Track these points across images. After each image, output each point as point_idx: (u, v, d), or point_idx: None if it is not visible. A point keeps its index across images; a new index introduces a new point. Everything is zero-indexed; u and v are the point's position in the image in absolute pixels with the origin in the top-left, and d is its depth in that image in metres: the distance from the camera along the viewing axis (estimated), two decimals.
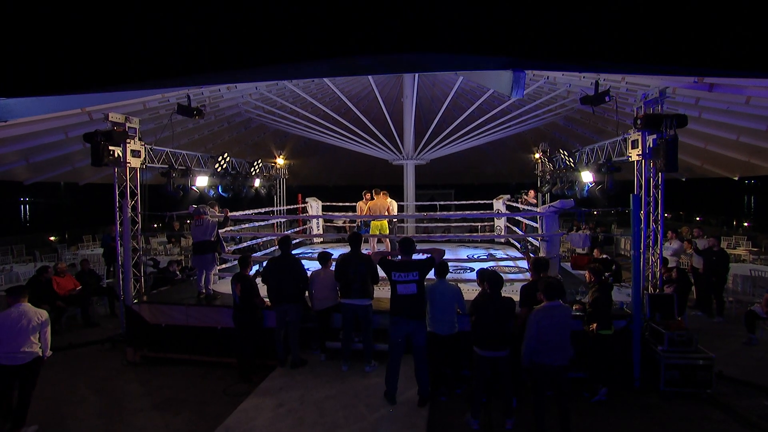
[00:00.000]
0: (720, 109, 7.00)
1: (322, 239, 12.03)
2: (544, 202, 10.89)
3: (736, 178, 10.92)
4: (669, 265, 7.41)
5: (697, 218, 19.17)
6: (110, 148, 6.13)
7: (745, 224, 16.13)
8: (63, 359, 6.28)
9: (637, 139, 5.66)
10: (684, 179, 12.43)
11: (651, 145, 5.47)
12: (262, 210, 10.82)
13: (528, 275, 5.79)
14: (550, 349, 4.00)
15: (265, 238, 10.84)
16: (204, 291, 6.62)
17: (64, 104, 5.57)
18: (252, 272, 5.89)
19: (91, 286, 8.27)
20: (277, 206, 12.39)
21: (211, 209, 6.91)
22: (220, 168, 8.62)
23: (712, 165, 10.28)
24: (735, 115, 7.00)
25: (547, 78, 8.31)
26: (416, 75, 9.19)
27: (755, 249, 12.17)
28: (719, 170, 10.58)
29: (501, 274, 4.48)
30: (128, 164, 6.45)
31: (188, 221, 7.25)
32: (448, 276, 4.98)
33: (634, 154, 5.76)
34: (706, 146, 8.83)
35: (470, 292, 5.64)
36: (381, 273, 4.83)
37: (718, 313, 7.69)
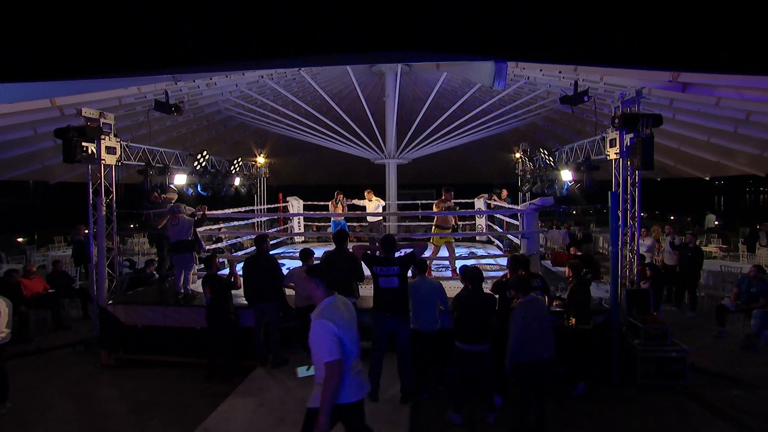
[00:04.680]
0: (692, 111, 7.21)
1: (303, 238, 11.91)
2: (523, 200, 11.05)
3: (708, 179, 11.30)
4: (645, 262, 7.60)
5: (672, 217, 19.78)
6: (83, 144, 5.92)
7: (716, 222, 16.72)
8: (30, 365, 6.03)
9: (615, 138, 5.79)
10: (659, 179, 12.79)
11: (628, 144, 5.60)
12: (242, 209, 10.65)
13: None
14: (537, 344, 3.99)
15: (244, 238, 10.66)
16: (182, 291, 6.46)
17: (33, 93, 5.32)
18: (239, 271, 5.78)
19: (62, 288, 7.97)
20: (257, 205, 12.21)
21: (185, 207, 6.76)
22: (199, 166, 8.44)
23: (685, 165, 10.61)
24: (706, 116, 7.23)
25: (528, 78, 8.42)
26: (398, 74, 9.19)
27: (725, 246, 12.61)
28: (692, 170, 10.92)
29: (482, 271, 4.51)
30: (103, 161, 6.24)
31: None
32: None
33: (612, 153, 5.88)
34: (680, 147, 9.10)
35: (451, 289, 5.65)
36: (367, 271, 4.80)
37: (691, 307, 7.93)
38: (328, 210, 11.24)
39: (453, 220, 7.79)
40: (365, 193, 10.08)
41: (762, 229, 12.21)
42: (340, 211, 9.74)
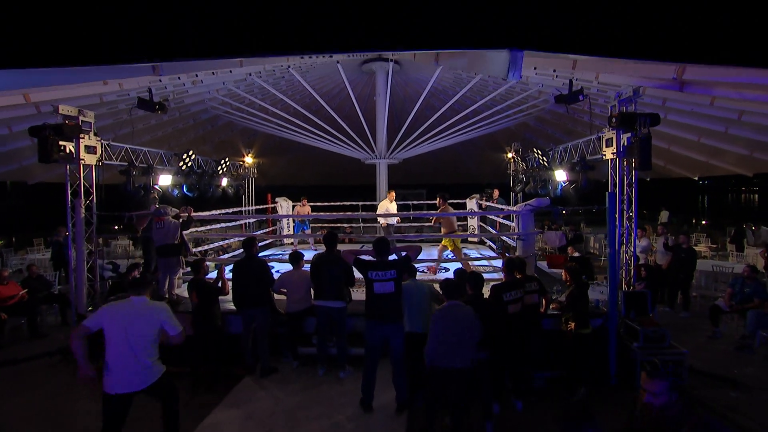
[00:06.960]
0: (684, 111, 7.22)
1: (292, 240, 11.68)
2: (516, 201, 10.98)
3: (696, 178, 11.40)
4: (639, 263, 7.55)
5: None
6: (61, 143, 5.65)
7: (703, 222, 16.94)
8: (3, 376, 5.70)
9: (612, 138, 5.71)
10: (648, 179, 12.87)
11: (625, 144, 5.52)
12: (230, 210, 10.38)
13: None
14: (447, 351, 3.74)
15: (231, 240, 10.40)
16: (167, 296, 6.21)
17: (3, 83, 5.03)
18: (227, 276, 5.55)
19: (39, 293, 7.61)
20: (245, 206, 11.95)
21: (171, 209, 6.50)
22: (184, 166, 8.17)
23: (675, 165, 10.68)
24: (698, 116, 7.24)
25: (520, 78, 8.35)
26: (389, 73, 9.05)
27: (713, 246, 12.71)
28: (681, 170, 11.00)
29: (483, 275, 4.37)
30: (82, 161, 5.96)
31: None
32: (424, 277, 4.84)
33: (609, 153, 5.80)
34: (670, 147, 9.14)
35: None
36: (357, 275, 4.63)
37: (684, 308, 7.91)
38: (317, 210, 11.09)
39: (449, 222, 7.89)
40: (387, 194, 9.74)
41: (749, 228, 12.32)
42: (305, 213, 10.40)
